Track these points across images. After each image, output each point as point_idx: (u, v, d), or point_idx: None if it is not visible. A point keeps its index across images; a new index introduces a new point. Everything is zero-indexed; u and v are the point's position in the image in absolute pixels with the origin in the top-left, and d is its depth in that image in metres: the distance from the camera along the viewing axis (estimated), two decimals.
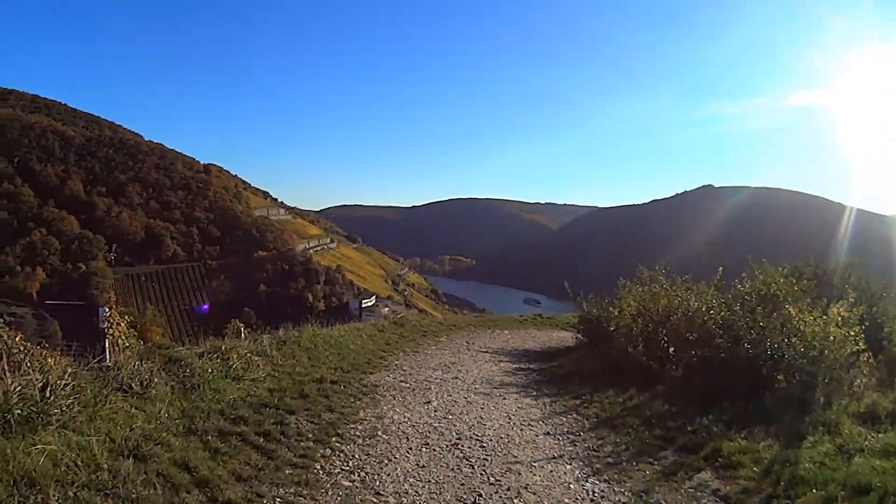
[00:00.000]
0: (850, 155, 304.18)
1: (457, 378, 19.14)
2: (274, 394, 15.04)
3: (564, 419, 14.95)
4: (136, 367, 12.94)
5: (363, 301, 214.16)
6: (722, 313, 17.11)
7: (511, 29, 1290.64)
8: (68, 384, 11.05)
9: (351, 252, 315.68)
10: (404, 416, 14.67)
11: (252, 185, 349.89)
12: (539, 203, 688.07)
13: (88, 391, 11.20)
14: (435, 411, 15.20)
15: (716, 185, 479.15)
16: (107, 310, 16.43)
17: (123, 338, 16.57)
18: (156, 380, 12.85)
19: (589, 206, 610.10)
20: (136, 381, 12.50)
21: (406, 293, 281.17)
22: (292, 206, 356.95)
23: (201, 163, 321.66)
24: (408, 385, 17.90)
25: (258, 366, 16.69)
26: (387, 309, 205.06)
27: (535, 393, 17.51)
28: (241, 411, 13.05)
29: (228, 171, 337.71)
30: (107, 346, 15.44)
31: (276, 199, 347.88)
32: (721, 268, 20.50)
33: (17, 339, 13.61)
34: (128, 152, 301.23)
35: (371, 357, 21.85)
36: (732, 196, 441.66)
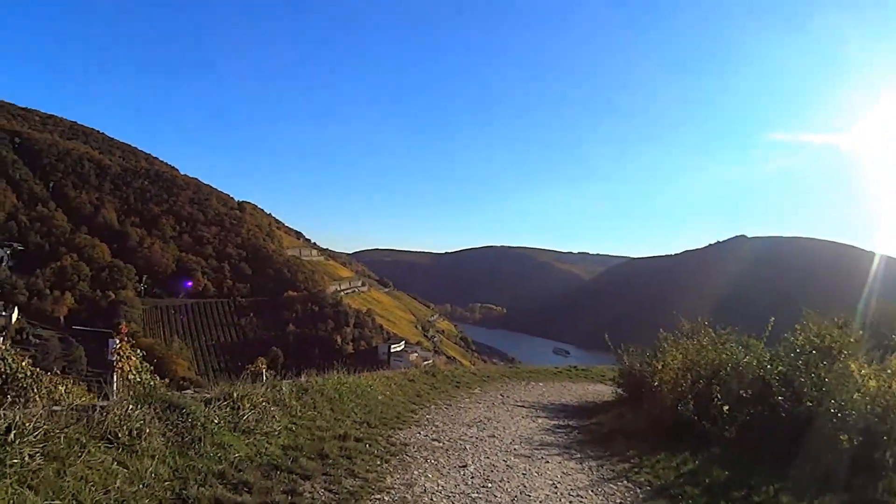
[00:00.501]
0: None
1: (494, 436, 17.31)
2: (288, 453, 12.92)
3: (615, 487, 13.16)
4: (128, 412, 10.76)
5: (392, 346, 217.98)
6: (779, 368, 16.24)
7: (547, 77, 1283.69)
8: (40, 427, 9.00)
9: (382, 296, 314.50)
10: (437, 484, 12.56)
11: (285, 224, 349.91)
12: (572, 252, 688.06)
13: (62, 438, 9.14)
14: (472, 478, 13.18)
15: (748, 236, 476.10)
16: (117, 341, 15.71)
17: (135, 372, 15.84)
18: (148, 429, 10.67)
19: (621, 257, 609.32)
20: (125, 429, 10.35)
21: (435, 340, 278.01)
22: (325, 247, 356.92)
23: (236, 199, 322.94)
24: (441, 444, 15.94)
25: (273, 417, 14.45)
26: (415, 355, 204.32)
27: (578, 455, 15.78)
28: (247, 474, 10.98)
29: (262, 210, 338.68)
30: (115, 380, 14.45)
31: (308, 240, 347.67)
32: (773, 318, 19.02)
33: (23, 363, 13.37)
34: (163, 185, 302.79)
35: (401, 410, 19.90)
36: (763, 245, 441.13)
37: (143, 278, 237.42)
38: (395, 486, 12.20)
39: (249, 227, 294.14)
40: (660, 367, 19.66)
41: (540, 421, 20.41)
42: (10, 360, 13.36)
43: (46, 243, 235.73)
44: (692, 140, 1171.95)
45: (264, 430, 13.49)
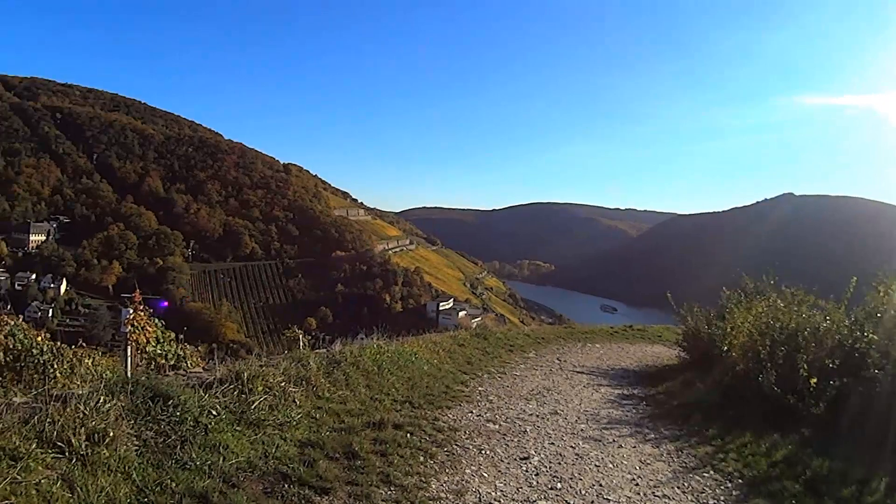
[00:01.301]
0: None
1: (556, 413, 15.21)
2: (306, 452, 9.99)
3: (702, 481, 11.04)
4: (91, 407, 8.13)
5: (440, 304, 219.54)
6: (868, 335, 13.96)
7: (594, 33, 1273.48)
8: None
9: (429, 254, 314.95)
10: (495, 488, 9.99)
11: (332, 185, 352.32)
12: (619, 209, 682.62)
13: None
14: (536, 475, 10.78)
15: (796, 194, 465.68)
16: (130, 311, 14.08)
17: (154, 343, 14.62)
18: (113, 432, 7.83)
19: (668, 213, 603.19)
20: (83, 431, 7.63)
21: (484, 297, 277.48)
22: (372, 206, 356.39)
23: (281, 162, 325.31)
24: (497, 427, 13.60)
25: (293, 402, 11.81)
26: (464, 313, 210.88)
27: (653, 435, 13.75)
28: (240, 492, 8.06)
29: (308, 171, 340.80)
30: (128, 355, 12.37)
31: (355, 200, 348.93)
32: (854, 278, 16.78)
33: (38, 338, 12.63)
34: (207, 151, 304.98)
35: (450, 382, 17.48)
36: (811, 204, 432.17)
37: (191, 244, 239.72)
38: (443, 494, 9.54)
39: (296, 188, 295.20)
40: (729, 330, 18.16)
41: (603, 391, 18.53)
42: (21, 336, 12.50)
43: (92, 214, 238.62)
44: (737, 97, 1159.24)
45: (279, 421, 10.75)
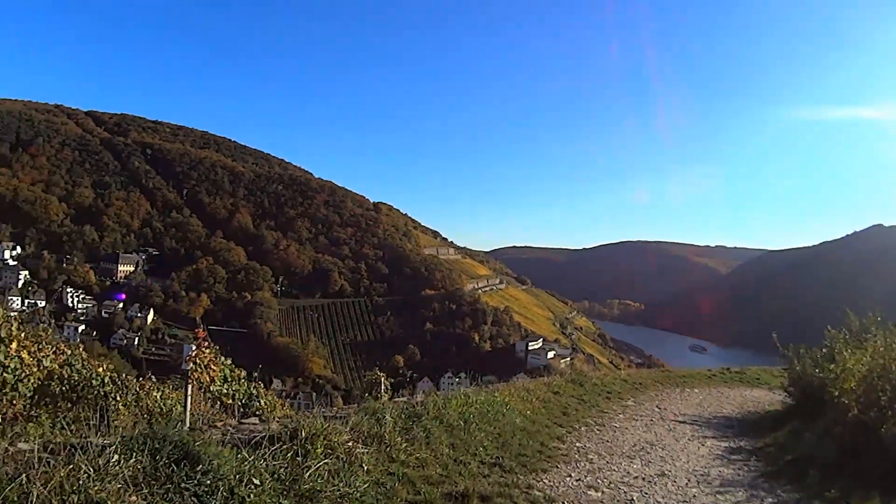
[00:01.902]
0: None
1: (664, 475, 13.07)
2: None
3: None
4: (98, 469, 6.46)
5: (530, 344, 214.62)
6: None
7: (682, 61, 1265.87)
8: None
9: (519, 293, 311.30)
10: None
11: (422, 224, 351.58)
12: (709, 246, 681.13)
13: None
14: None
15: (885, 225, 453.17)
16: (192, 347, 12.98)
17: (219, 382, 14.02)
18: None
19: (758, 249, 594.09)
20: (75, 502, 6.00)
21: (573, 337, 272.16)
22: (462, 245, 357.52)
23: (371, 201, 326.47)
24: (599, 495, 11.50)
25: (360, 465, 9.42)
26: (553, 353, 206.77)
27: (770, 500, 11.85)
28: None
29: (398, 210, 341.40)
30: (188, 395, 11.44)
31: (445, 239, 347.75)
32: None
33: (100, 368, 12.81)
34: (298, 189, 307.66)
35: (545, 438, 15.39)
36: None
37: (280, 279, 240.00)
38: None
39: (386, 227, 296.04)
40: (839, 373, 16.49)
41: (709, 444, 16.81)
42: (79, 366, 12.40)
43: (182, 248, 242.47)
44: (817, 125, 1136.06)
45: (339, 492, 8.44)
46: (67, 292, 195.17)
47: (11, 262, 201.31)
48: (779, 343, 22.57)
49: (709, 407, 23.00)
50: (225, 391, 13.98)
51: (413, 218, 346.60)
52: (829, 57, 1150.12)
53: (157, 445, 6.84)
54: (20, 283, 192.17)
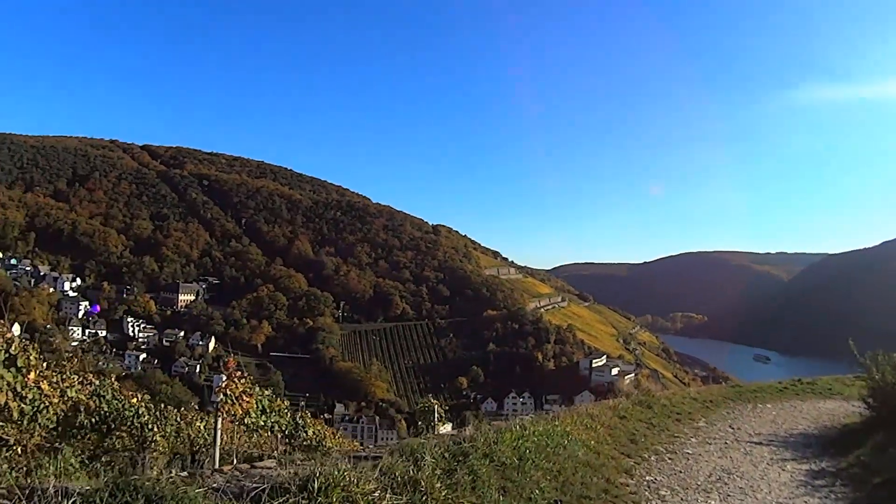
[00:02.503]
0: None
1: None
2: None
3: None
4: None
5: (594, 361, 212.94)
6: None
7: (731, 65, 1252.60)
8: None
9: (582, 310, 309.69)
10: None
11: (482, 244, 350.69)
12: (770, 253, 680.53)
13: None
14: None
15: None
16: (223, 377, 12.14)
17: (256, 415, 13.51)
18: None
19: (819, 254, 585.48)
20: None
21: (637, 352, 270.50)
22: (522, 264, 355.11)
23: (430, 223, 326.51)
24: None
25: None
26: (617, 369, 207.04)
27: None
28: None
29: (458, 232, 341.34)
30: (217, 429, 11.15)
31: (505, 259, 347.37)
32: None
33: (133, 399, 12.71)
34: (355, 215, 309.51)
35: (611, 473, 12.79)
36: None
37: (341, 305, 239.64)
38: None
39: (445, 249, 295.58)
40: None
41: (790, 467, 14.90)
42: (109, 397, 12.31)
43: (242, 276, 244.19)
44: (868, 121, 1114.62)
45: None
46: (128, 322, 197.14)
47: (72, 294, 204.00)
48: (855, 350, 21.15)
49: (783, 423, 21.30)
50: (262, 423, 13.33)
51: (472, 239, 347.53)
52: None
53: (127, 499, 5.26)
54: (80, 314, 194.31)
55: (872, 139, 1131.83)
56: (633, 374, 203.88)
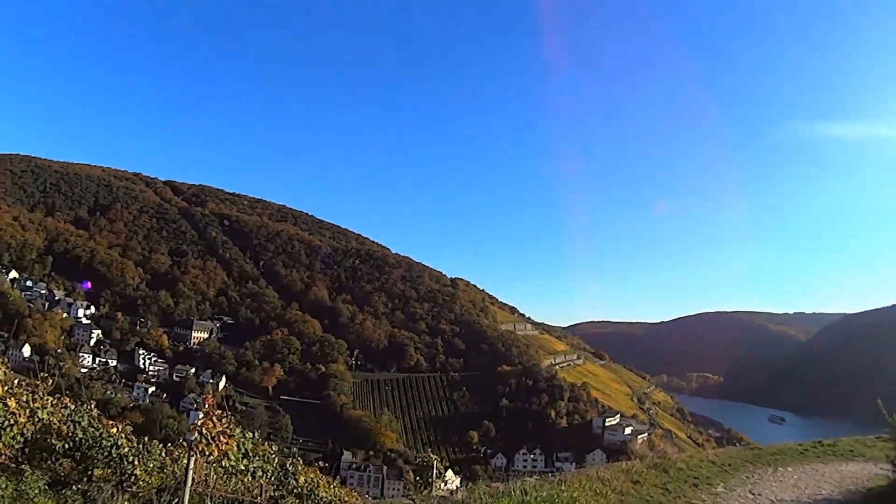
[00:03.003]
0: None
1: None
2: None
3: None
4: None
5: (607, 419, 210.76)
6: None
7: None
8: None
9: (597, 369, 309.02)
10: None
11: (499, 299, 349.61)
12: (787, 313, 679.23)
13: None
14: None
15: None
16: (200, 415, 10.91)
17: (236, 458, 11.70)
18: None
19: (837, 314, 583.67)
20: None
21: (651, 412, 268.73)
22: (539, 321, 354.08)
23: (448, 276, 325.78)
24: None
25: None
26: (630, 429, 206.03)
27: None
28: None
29: (475, 286, 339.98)
30: (189, 469, 10.41)
31: (522, 315, 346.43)
32: None
33: (113, 429, 11.90)
34: (374, 263, 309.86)
35: None
36: None
37: (355, 353, 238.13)
38: None
39: (462, 302, 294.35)
40: None
41: None
42: (85, 424, 11.42)
43: (257, 318, 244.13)
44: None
45: None
46: (140, 353, 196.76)
47: (85, 321, 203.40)
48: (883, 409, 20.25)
49: (806, 488, 20.39)
50: (243, 467, 11.92)
51: (490, 293, 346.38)
52: None
53: None
54: (92, 341, 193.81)
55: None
56: (646, 434, 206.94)
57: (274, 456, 13.39)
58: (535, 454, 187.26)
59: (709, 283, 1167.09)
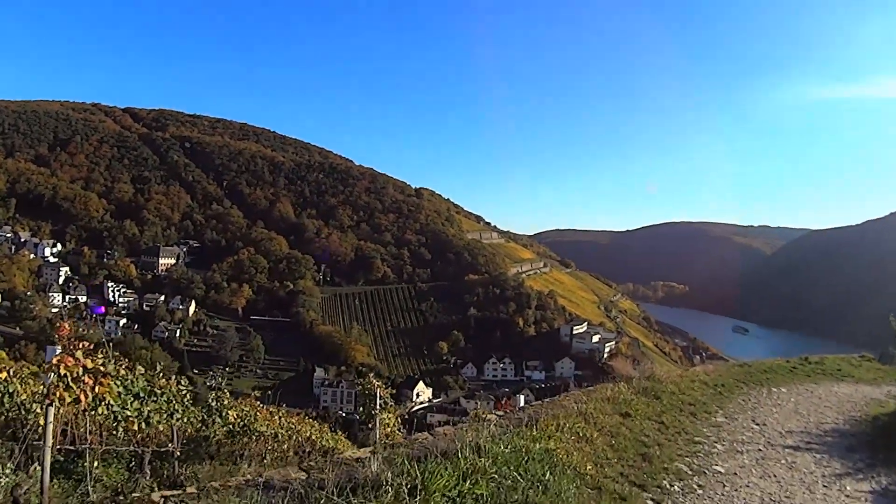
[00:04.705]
0: None
1: None
2: None
3: None
4: None
5: (574, 328, 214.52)
6: None
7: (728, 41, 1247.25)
8: None
9: (563, 277, 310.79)
10: None
11: (464, 208, 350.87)
12: (752, 226, 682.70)
13: None
14: None
15: None
16: (57, 349, 7.94)
17: (114, 402, 9.53)
18: None
19: (802, 229, 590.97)
20: None
21: (618, 320, 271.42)
22: (505, 230, 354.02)
23: (413, 187, 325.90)
24: None
25: None
26: (598, 336, 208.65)
27: None
28: None
29: (440, 195, 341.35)
30: (48, 423, 7.49)
31: (488, 223, 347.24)
32: None
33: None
34: (338, 177, 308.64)
35: None
36: None
37: (322, 267, 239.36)
38: None
39: (428, 212, 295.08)
40: None
41: (849, 488, 11.98)
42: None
43: (223, 239, 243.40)
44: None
45: None
46: (108, 287, 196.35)
47: (52, 259, 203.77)
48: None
49: (809, 415, 19.40)
50: (131, 413, 9.98)
51: (455, 203, 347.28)
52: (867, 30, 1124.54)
53: None
54: (61, 280, 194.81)
55: (858, 128, 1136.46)
56: (613, 342, 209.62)
57: (186, 391, 12.26)
58: (504, 363, 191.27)
59: (674, 193, 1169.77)
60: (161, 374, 11.47)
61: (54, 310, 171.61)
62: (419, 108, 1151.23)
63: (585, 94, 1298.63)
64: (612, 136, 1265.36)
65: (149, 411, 10.56)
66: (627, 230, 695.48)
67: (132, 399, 10.05)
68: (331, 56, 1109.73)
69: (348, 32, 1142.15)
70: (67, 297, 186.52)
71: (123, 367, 10.13)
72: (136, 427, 10.29)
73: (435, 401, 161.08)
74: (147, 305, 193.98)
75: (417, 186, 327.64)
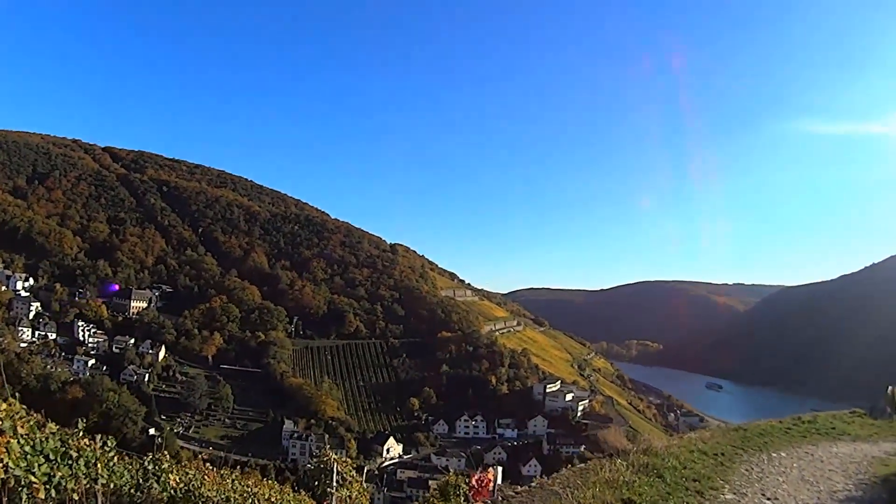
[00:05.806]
0: None
1: None
2: None
3: None
4: None
5: (547, 386, 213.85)
6: None
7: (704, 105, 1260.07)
8: None
9: (537, 335, 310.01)
10: None
11: (439, 265, 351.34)
12: (727, 284, 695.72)
13: None
14: None
15: None
16: None
17: (12, 462, 7.59)
18: None
19: (776, 286, 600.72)
20: None
21: (592, 378, 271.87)
22: (479, 287, 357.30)
23: (388, 242, 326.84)
24: None
25: None
26: (571, 395, 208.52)
27: None
28: None
29: (415, 252, 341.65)
30: None
31: (462, 281, 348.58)
32: None
33: None
34: (313, 229, 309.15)
35: None
36: None
37: (294, 319, 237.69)
38: None
39: (402, 268, 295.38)
40: None
41: None
42: None
43: (196, 285, 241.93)
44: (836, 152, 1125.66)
45: None
46: (79, 326, 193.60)
47: (24, 294, 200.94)
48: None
49: (818, 483, 18.41)
50: (36, 479, 7.90)
51: (430, 259, 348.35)
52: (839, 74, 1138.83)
53: None
54: (31, 315, 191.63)
55: (832, 176, 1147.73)
56: (587, 401, 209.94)
57: (111, 451, 10.23)
58: (476, 420, 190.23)
59: (648, 253, 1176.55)
60: (81, 434, 9.61)
61: (23, 344, 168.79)
62: (396, 165, 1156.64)
63: (561, 156, 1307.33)
64: (586, 197, 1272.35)
65: (60, 476, 8.71)
66: (602, 289, 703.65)
67: (42, 461, 8.37)
68: (310, 109, 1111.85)
69: (326, 88, 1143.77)
70: (37, 332, 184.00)
71: (30, 423, 8.36)
72: (41, 495, 8.25)
73: (406, 457, 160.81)
74: (117, 348, 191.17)
75: (392, 242, 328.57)
